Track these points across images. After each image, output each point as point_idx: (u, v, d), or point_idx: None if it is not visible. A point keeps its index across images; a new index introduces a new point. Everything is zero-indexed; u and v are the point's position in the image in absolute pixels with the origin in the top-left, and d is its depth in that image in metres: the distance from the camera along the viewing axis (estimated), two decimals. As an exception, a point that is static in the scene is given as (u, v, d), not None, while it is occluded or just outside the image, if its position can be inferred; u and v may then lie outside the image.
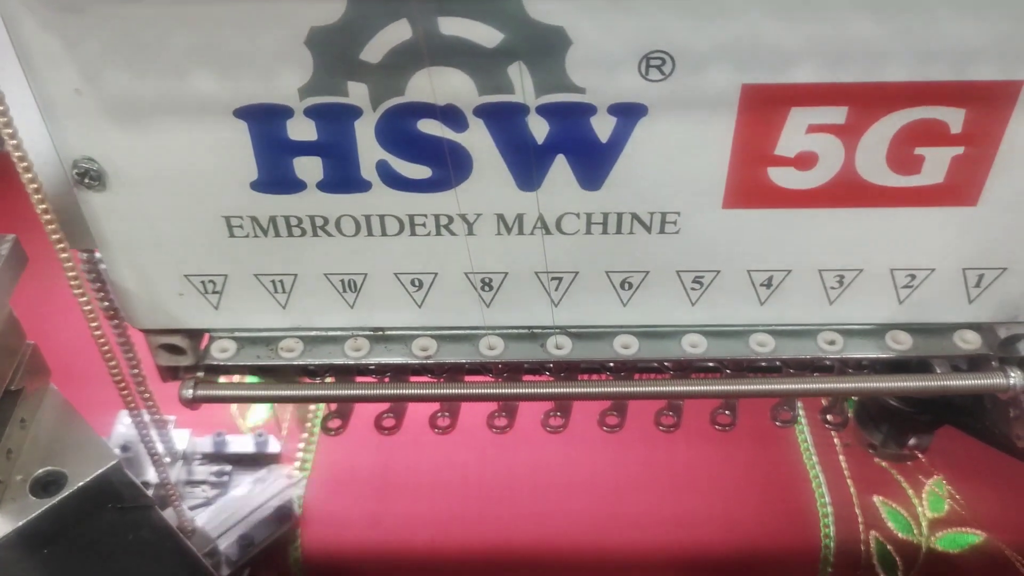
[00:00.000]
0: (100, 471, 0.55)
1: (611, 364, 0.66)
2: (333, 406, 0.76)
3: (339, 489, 0.91)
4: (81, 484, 0.55)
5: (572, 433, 0.81)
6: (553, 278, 0.60)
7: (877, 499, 0.91)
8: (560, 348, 0.63)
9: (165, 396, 0.72)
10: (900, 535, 0.88)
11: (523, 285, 0.60)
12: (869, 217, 0.56)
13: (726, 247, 0.58)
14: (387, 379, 0.65)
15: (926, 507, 0.89)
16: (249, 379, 0.67)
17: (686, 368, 0.66)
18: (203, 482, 0.85)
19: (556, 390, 0.64)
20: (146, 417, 0.77)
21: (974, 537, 0.88)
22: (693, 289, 0.60)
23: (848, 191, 0.55)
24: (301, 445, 0.93)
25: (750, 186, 0.55)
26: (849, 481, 0.92)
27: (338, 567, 0.85)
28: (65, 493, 0.55)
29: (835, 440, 0.90)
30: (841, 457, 0.84)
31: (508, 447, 0.94)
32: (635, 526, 0.89)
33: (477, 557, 0.87)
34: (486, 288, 0.61)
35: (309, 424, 0.95)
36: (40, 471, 0.56)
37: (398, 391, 0.64)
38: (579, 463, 0.93)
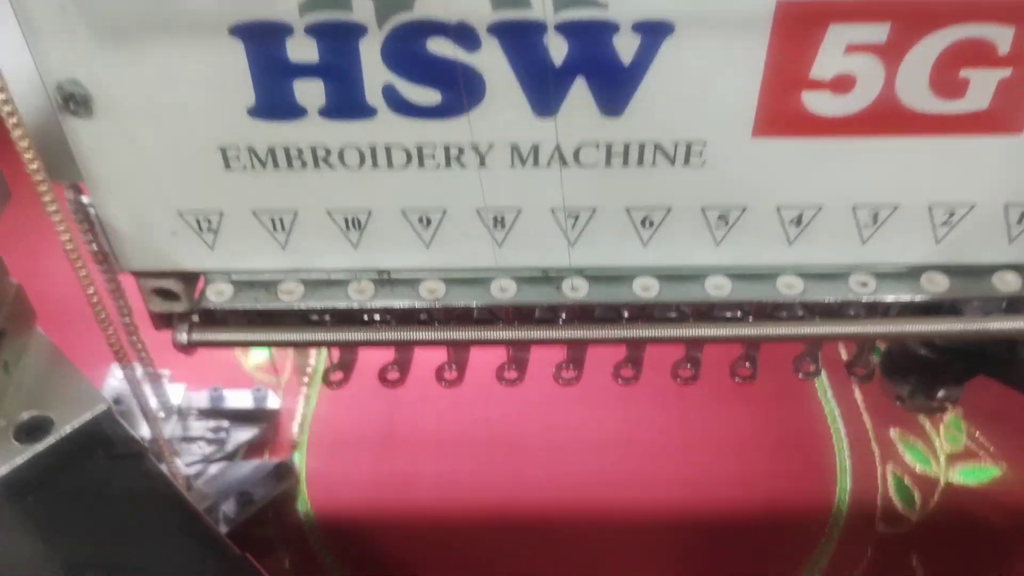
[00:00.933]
0: (88, 417, 0.52)
1: (628, 310, 0.63)
2: (335, 358, 0.72)
3: (341, 446, 0.88)
4: (68, 430, 0.52)
5: (584, 389, 0.78)
6: (569, 216, 0.56)
7: (894, 432, 0.88)
8: (576, 291, 0.60)
9: (158, 350, 0.69)
10: (918, 468, 0.85)
11: (537, 223, 0.57)
12: (908, 147, 0.53)
13: (754, 181, 0.55)
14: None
15: (943, 441, 0.87)
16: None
17: (706, 314, 0.63)
18: (199, 438, 0.82)
19: (570, 333, 0.61)
20: (138, 370, 0.74)
21: (993, 470, 0.86)
22: (718, 227, 0.57)
23: (887, 118, 0.51)
24: (301, 400, 0.90)
25: (782, 113, 0.51)
26: (865, 415, 0.89)
27: (340, 526, 0.82)
28: (51, 439, 0.52)
29: (855, 387, 0.87)
30: (856, 391, 0.81)
31: (517, 403, 0.91)
32: (647, 484, 0.86)
33: (485, 516, 0.84)
34: (498, 226, 0.57)
35: (309, 376, 0.91)
36: (24, 416, 0.53)
37: (403, 335, 0.60)
38: (590, 420, 0.90)
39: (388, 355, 0.72)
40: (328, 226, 0.57)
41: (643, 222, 0.57)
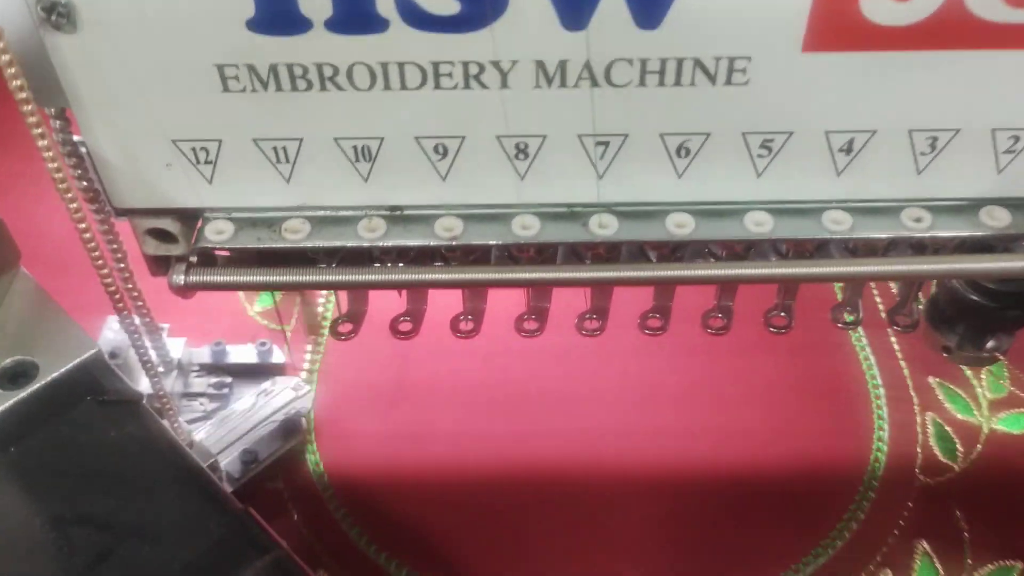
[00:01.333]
0: (76, 361, 0.48)
1: (659, 250, 0.59)
2: (344, 308, 0.68)
3: (350, 402, 0.84)
4: (54, 375, 0.47)
5: (606, 341, 0.74)
6: (599, 143, 0.52)
7: (933, 380, 0.84)
8: (604, 228, 0.55)
9: (157, 304, 0.65)
10: (959, 417, 0.82)
11: (564, 152, 0.52)
12: (974, 63, 0.48)
13: (803, 102, 0.50)
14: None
15: (986, 388, 0.82)
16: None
17: (742, 255, 0.59)
18: (201, 395, 0.78)
19: (600, 274, 0.56)
20: (136, 321, 0.70)
21: (1039, 417, 0.82)
22: (760, 156, 0.52)
23: (952, 29, 0.46)
24: (308, 354, 0.86)
25: (837, 23, 0.46)
26: (902, 362, 0.84)
27: (353, 483, 0.78)
28: (35, 386, 0.48)
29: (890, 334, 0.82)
30: (892, 338, 0.76)
31: (535, 356, 0.86)
32: (672, 440, 0.82)
33: (502, 471, 0.80)
34: (521, 156, 0.52)
35: (316, 328, 0.87)
36: (8, 361, 0.49)
37: (417, 276, 0.56)
38: (613, 373, 0.86)
39: (399, 306, 0.68)
40: (336, 156, 0.53)
41: (679, 150, 0.52)
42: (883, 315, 0.89)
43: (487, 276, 0.56)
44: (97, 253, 0.55)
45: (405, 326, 0.67)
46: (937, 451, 0.82)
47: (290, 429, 0.76)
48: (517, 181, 0.54)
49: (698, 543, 0.76)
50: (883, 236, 0.54)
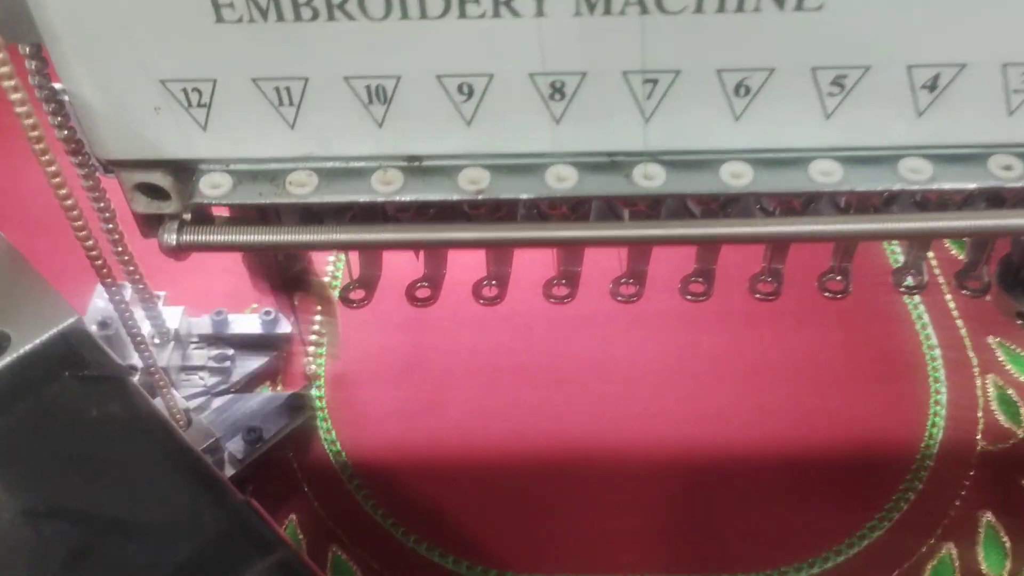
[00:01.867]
0: (53, 331, 0.42)
1: (710, 204, 0.53)
2: (355, 273, 0.62)
3: (363, 375, 0.78)
4: (28, 347, 0.41)
5: (643, 310, 0.68)
6: (647, 80, 0.45)
7: (992, 340, 0.78)
8: (650, 179, 0.49)
9: (154, 267, 0.59)
10: (1022, 378, 0.76)
11: (606, 92, 0.46)
12: (1087, -18, 0.41)
13: (883, 31, 0.43)
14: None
15: None
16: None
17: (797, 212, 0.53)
18: (201, 368, 0.72)
19: (641, 232, 0.50)
20: (127, 289, 0.64)
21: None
22: (831, 95, 0.46)
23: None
24: (315, 324, 0.79)
25: (930, -66, 0.39)
26: (959, 322, 0.79)
27: (361, 466, 0.72)
28: (8, 359, 0.41)
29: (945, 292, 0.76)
30: (948, 296, 0.70)
31: (565, 327, 0.80)
32: (712, 416, 0.76)
33: (527, 451, 0.74)
34: (557, 96, 0.46)
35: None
36: (-25, 331, 0.43)
37: (438, 235, 0.50)
38: (649, 346, 0.79)
39: (416, 270, 0.62)
40: (346, 98, 0.46)
41: (737, 89, 0.46)
42: (937, 273, 0.82)
43: (517, 235, 0.50)
44: (76, 212, 0.49)
45: (423, 292, 0.61)
46: (999, 415, 0.75)
47: (297, 405, 0.70)
48: (552, 126, 0.47)
49: (750, 518, 0.70)
50: (967, 187, 0.48)
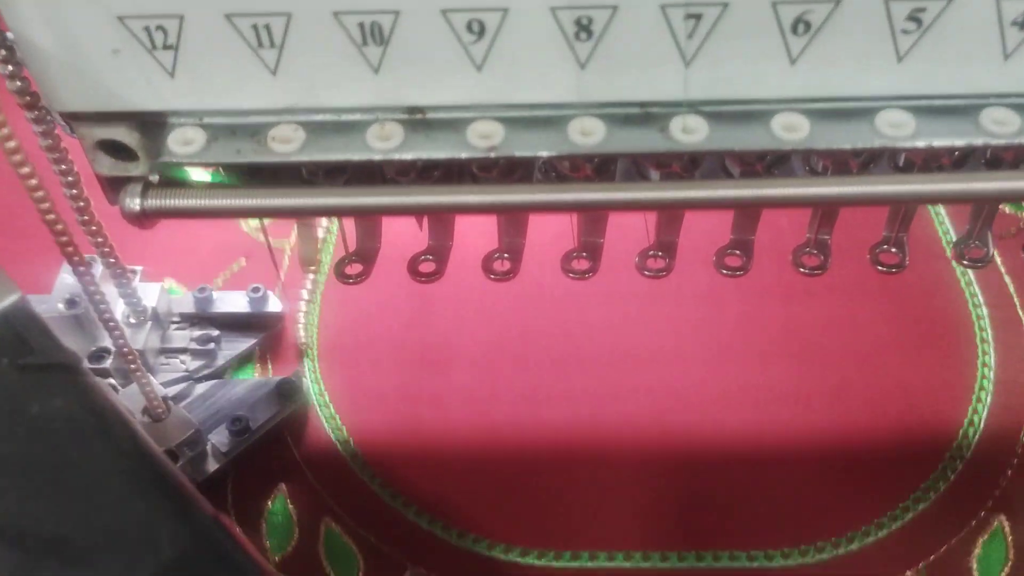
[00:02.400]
0: (-11, 311, 0.35)
1: (754, 162, 0.46)
2: (350, 244, 0.55)
3: (359, 359, 0.71)
4: (-43, 331, 0.35)
5: (671, 285, 0.62)
6: (689, 15, 0.39)
7: None
8: (690, 133, 0.42)
9: (128, 236, 0.53)
10: None
11: (640, 30, 0.39)
12: None
13: (974, -48, 0.36)
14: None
15: None
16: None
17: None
18: (182, 351, 0.65)
19: (681, 194, 0.43)
20: (97, 264, 0.58)
21: None
22: (905, 32, 0.39)
23: None
24: (304, 302, 0.73)
25: None
26: (1007, 277, 0.74)
27: (359, 435, 0.67)
28: (-67, 345, 0.35)
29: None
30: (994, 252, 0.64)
31: (581, 304, 0.73)
32: (746, 396, 0.69)
33: (543, 443, 0.67)
34: (583, 35, 0.39)
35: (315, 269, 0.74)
36: None
37: (444, 198, 0.43)
38: (680, 325, 0.72)
39: (420, 241, 0.55)
40: (336, 39, 0.40)
41: (795, 26, 0.39)
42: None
43: (538, 198, 0.43)
44: (27, 170, 0.42)
45: (427, 266, 0.55)
46: None
47: (286, 392, 0.64)
48: (576, 71, 0.41)
49: (796, 491, 0.65)
50: (1060, 141, 0.41)
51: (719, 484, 0.65)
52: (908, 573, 0.61)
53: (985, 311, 0.73)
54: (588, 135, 0.42)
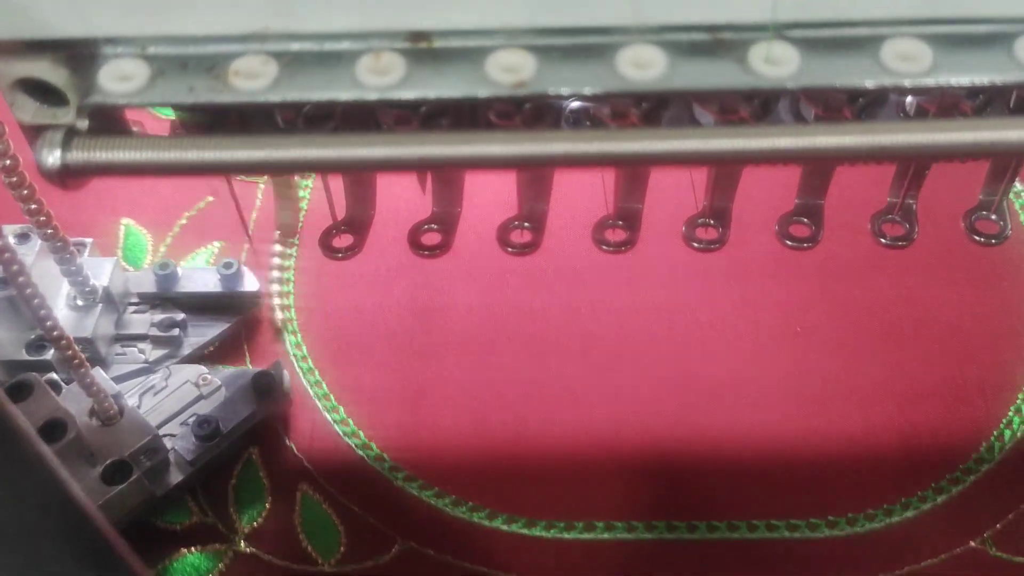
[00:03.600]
0: None
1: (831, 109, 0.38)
2: (339, 213, 0.47)
3: (350, 348, 0.62)
4: None
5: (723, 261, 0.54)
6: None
7: None
8: (776, 65, 0.33)
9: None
10: None
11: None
12: None
13: None
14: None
15: None
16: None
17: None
18: (140, 338, 0.56)
19: (752, 143, 0.34)
20: (34, 238, 0.48)
21: None
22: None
23: None
24: (278, 276, 0.63)
25: None
26: None
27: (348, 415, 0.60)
28: None
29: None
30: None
31: (614, 284, 0.64)
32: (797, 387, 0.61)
33: (568, 444, 0.59)
34: (642, -67, 0.30)
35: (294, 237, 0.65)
36: None
37: (455, 149, 0.34)
38: (728, 304, 0.64)
39: (423, 207, 0.47)
40: (317, -64, 0.30)
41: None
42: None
43: (578, 148, 0.34)
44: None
45: (431, 238, 0.47)
46: None
47: (263, 387, 0.54)
48: (629, -17, 0.31)
49: (846, 457, 0.59)
50: None
51: (717, 455, 0.59)
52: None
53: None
54: (645, 67, 0.33)
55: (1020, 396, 0.61)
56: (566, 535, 0.56)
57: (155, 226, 0.66)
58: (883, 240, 0.47)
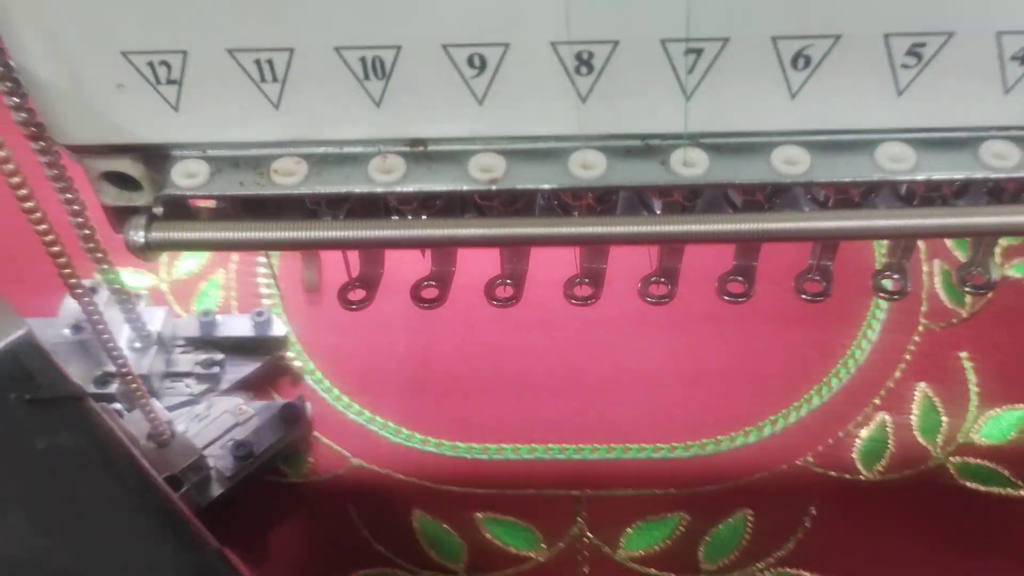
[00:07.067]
0: (-3, 346, 0.35)
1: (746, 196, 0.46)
2: (354, 272, 0.56)
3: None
4: (-36, 365, 0.35)
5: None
6: (690, 50, 0.39)
7: None
8: (691, 167, 0.42)
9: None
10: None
11: (641, 64, 0.39)
12: None
13: (973, -11, 0.37)
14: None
15: None
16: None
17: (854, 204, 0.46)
18: (186, 375, 0.66)
19: (683, 227, 0.43)
20: (102, 290, 0.58)
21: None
22: (905, 67, 0.39)
23: None
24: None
25: None
26: None
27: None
28: (-61, 379, 0.35)
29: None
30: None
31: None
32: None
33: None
34: (583, 70, 0.40)
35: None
36: (-101, 347, 0.36)
37: (446, 231, 0.43)
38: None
39: (423, 267, 0.55)
40: (338, 73, 0.40)
41: (795, 60, 0.39)
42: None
43: (537, 231, 0.43)
44: (31, 204, 0.43)
45: (430, 292, 0.55)
46: (943, 297, 0.75)
47: (290, 416, 0.64)
48: (577, 104, 0.41)
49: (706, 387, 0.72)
50: (1061, 175, 0.41)
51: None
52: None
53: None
54: (589, 168, 0.42)
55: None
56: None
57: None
58: (804, 296, 0.56)
